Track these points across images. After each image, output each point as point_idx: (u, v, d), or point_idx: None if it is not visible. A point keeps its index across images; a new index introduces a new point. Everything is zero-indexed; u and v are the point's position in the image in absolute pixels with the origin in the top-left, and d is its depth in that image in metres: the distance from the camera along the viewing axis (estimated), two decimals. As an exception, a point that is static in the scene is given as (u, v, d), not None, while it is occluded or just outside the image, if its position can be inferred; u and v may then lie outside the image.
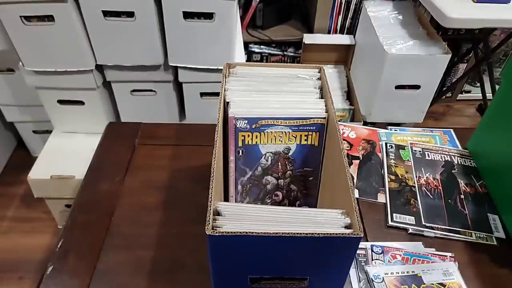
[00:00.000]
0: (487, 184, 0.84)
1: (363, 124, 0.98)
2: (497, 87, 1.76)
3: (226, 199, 0.70)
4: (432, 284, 0.64)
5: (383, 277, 0.64)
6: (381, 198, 0.81)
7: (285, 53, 1.81)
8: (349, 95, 1.71)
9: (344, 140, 0.92)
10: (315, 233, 0.46)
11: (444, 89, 2.01)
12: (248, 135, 0.64)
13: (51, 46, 1.16)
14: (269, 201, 0.71)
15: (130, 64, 1.24)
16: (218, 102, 0.63)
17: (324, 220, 0.52)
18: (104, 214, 0.76)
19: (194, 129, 1.00)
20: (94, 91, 1.31)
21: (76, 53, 1.19)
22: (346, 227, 0.50)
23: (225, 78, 0.67)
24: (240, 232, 0.46)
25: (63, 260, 0.68)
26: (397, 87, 1.38)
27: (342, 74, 1.78)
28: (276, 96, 0.65)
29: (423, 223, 0.75)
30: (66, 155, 1.35)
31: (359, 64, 1.67)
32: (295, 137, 0.65)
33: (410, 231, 0.74)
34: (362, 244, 0.70)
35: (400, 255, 0.69)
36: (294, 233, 0.46)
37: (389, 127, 0.97)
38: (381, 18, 1.49)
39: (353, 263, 0.67)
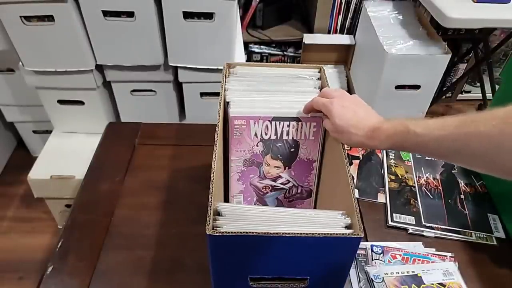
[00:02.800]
0: (487, 184, 0.84)
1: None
2: (497, 87, 1.76)
3: (226, 199, 0.70)
4: (432, 284, 0.64)
5: (383, 277, 0.64)
6: (381, 198, 0.81)
7: (285, 53, 1.81)
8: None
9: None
10: (315, 233, 0.46)
11: (444, 89, 2.01)
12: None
13: (51, 46, 1.16)
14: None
15: (130, 64, 1.24)
16: (218, 102, 0.63)
17: (324, 221, 0.52)
18: (104, 214, 0.76)
19: (194, 129, 1.00)
20: (94, 91, 1.31)
21: (76, 53, 1.18)
22: (347, 227, 0.50)
23: (225, 78, 0.68)
24: (241, 232, 0.46)
25: (63, 260, 0.68)
26: (397, 87, 1.38)
27: (342, 74, 1.78)
28: (276, 96, 0.65)
29: (423, 223, 0.75)
30: (66, 155, 1.35)
31: (359, 64, 1.67)
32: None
33: (410, 231, 0.75)
34: (362, 244, 0.70)
35: (400, 255, 0.69)
36: (294, 233, 0.46)
37: (389, 127, 0.97)
38: (381, 18, 1.49)
39: (353, 263, 0.67)
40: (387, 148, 0.54)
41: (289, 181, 0.69)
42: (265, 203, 0.71)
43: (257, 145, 0.65)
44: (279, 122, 0.63)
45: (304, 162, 0.68)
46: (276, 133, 0.64)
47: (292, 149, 0.66)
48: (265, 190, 0.70)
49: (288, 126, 0.64)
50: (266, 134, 0.64)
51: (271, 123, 0.63)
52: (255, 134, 0.64)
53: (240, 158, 0.66)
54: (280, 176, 0.69)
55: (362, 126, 0.54)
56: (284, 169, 0.68)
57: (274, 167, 0.68)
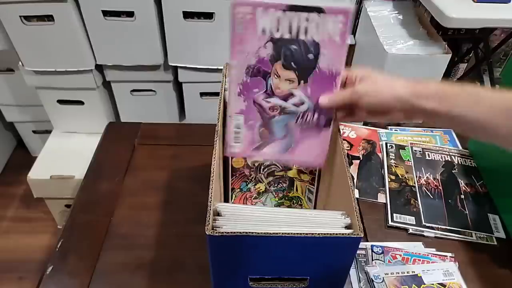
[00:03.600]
0: (487, 184, 0.84)
1: (363, 124, 0.98)
2: (497, 87, 1.75)
3: (226, 199, 0.70)
4: (432, 284, 0.64)
5: (383, 277, 0.64)
6: (381, 198, 0.81)
7: (285, 52, 1.80)
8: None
9: (344, 140, 0.92)
10: (315, 233, 0.46)
11: (444, 89, 2.00)
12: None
13: (51, 46, 1.16)
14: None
15: (130, 64, 1.24)
16: (218, 102, 0.63)
17: (324, 221, 0.52)
18: (104, 214, 0.76)
19: (194, 129, 1.00)
20: (94, 91, 1.31)
21: (76, 53, 1.18)
22: (346, 227, 0.50)
23: (225, 78, 0.67)
24: (240, 232, 0.46)
25: (63, 260, 0.68)
26: (397, 87, 1.38)
27: (342, 74, 1.78)
28: None
29: (423, 223, 0.75)
30: (66, 155, 1.35)
31: (360, 64, 1.67)
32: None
33: (410, 231, 0.74)
34: (362, 244, 0.70)
35: (400, 255, 0.69)
36: (294, 233, 0.46)
37: (389, 127, 0.97)
38: (381, 18, 1.49)
39: (353, 263, 0.67)
40: (432, 109, 0.48)
41: (303, 102, 0.55)
42: (271, 130, 0.57)
43: (265, 46, 0.52)
44: (295, 14, 0.50)
45: (325, 75, 0.54)
46: (290, 31, 0.51)
47: (310, 55, 0.53)
48: (273, 112, 0.56)
49: (307, 20, 0.50)
50: (277, 30, 0.51)
51: (284, 13, 0.50)
52: (263, 30, 0.51)
53: (242, 64, 0.53)
54: (292, 94, 0.55)
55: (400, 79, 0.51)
56: (299, 84, 0.54)
57: (286, 80, 0.54)
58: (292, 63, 0.53)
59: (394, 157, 0.88)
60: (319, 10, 0.50)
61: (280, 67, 0.53)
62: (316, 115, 0.56)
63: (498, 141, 0.49)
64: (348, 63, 1.81)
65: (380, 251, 0.69)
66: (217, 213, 0.51)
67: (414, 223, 0.75)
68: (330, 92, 0.55)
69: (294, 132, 0.58)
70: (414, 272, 0.65)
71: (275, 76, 0.54)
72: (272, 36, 0.51)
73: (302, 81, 0.54)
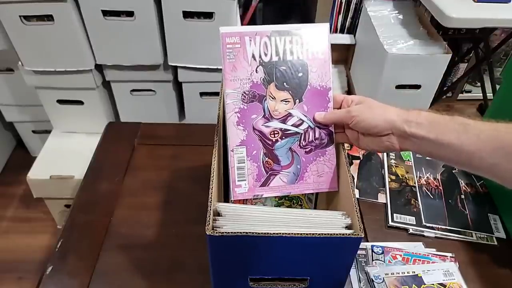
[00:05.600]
0: (487, 184, 0.84)
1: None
2: (497, 87, 1.75)
3: (226, 199, 0.70)
4: (433, 284, 0.64)
5: (383, 278, 0.64)
6: (382, 198, 0.80)
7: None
8: (349, 95, 1.70)
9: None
10: (316, 233, 0.46)
11: (445, 89, 2.00)
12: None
13: (50, 46, 1.16)
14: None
15: (130, 64, 1.24)
16: (218, 102, 0.62)
17: (324, 221, 0.51)
18: (104, 214, 0.76)
19: (194, 129, 1.00)
20: (93, 91, 1.31)
21: (76, 53, 1.18)
22: (347, 227, 0.50)
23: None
24: (240, 233, 0.46)
25: (62, 260, 0.68)
26: (398, 86, 1.38)
27: (342, 73, 1.78)
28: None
29: (424, 223, 0.75)
30: (65, 155, 1.35)
31: (360, 64, 1.67)
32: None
33: (411, 231, 0.74)
34: (362, 245, 0.70)
35: (401, 255, 0.69)
36: (294, 234, 0.46)
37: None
38: (381, 18, 1.49)
39: (353, 263, 0.67)
40: (422, 136, 0.49)
41: (302, 121, 0.57)
42: (276, 157, 0.58)
43: (256, 71, 0.55)
44: (279, 37, 0.55)
45: (317, 91, 0.57)
46: (277, 53, 0.55)
47: (300, 74, 0.56)
48: (274, 137, 0.57)
49: (291, 42, 0.55)
50: (265, 55, 0.55)
51: (269, 39, 0.55)
52: (253, 56, 0.55)
53: (237, 91, 0.55)
54: (290, 115, 0.57)
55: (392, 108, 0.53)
56: (294, 103, 0.57)
57: (281, 101, 0.56)
58: (284, 83, 0.56)
59: (394, 157, 0.88)
60: (299, 31, 0.55)
61: (274, 88, 0.56)
62: (317, 133, 0.58)
63: (483, 172, 0.49)
64: (349, 63, 1.82)
65: (380, 251, 0.69)
66: (217, 213, 0.51)
67: (414, 223, 0.75)
68: (325, 107, 0.58)
69: (300, 157, 0.58)
70: (414, 272, 0.65)
71: (271, 98, 0.56)
72: (262, 60, 0.55)
73: (297, 100, 0.57)
